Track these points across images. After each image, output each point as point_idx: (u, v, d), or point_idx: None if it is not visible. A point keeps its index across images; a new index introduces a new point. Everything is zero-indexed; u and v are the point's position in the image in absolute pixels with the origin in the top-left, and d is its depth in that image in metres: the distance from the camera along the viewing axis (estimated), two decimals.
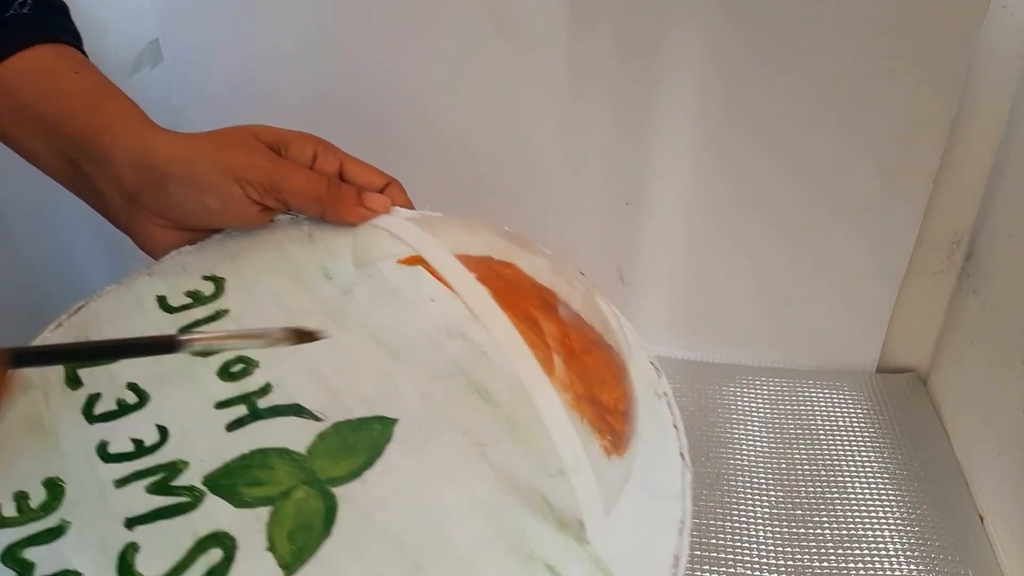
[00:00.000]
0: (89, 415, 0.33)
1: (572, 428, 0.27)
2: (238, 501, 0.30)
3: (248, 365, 0.35)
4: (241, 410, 0.33)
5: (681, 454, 0.32)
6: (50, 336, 0.37)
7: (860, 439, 0.56)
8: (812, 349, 0.62)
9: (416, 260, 0.40)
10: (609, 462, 0.29)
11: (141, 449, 0.32)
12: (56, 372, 0.35)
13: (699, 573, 0.47)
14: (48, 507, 0.30)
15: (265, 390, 0.34)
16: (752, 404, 0.59)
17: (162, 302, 0.39)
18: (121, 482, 0.31)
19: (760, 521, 0.50)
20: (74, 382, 0.35)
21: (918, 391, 0.60)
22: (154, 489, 0.30)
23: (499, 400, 0.33)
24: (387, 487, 0.30)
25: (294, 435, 0.32)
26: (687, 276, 0.61)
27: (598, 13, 0.52)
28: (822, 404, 0.59)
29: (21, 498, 0.30)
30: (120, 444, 0.32)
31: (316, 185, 0.40)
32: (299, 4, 0.57)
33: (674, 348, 0.64)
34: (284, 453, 0.31)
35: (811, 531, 0.49)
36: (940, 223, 0.56)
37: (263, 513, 0.29)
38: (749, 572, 0.47)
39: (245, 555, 0.28)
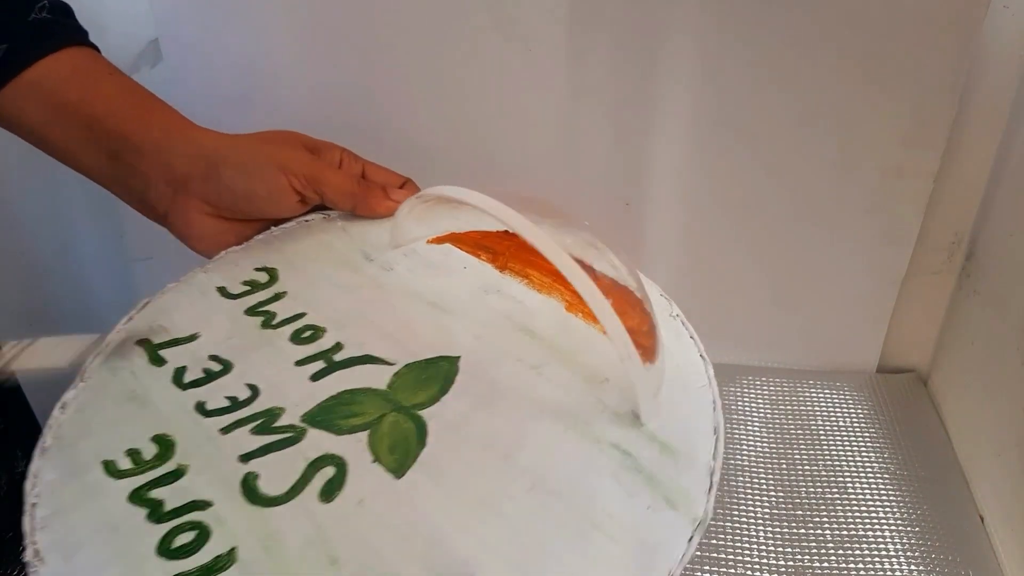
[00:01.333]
0: (180, 383, 0.36)
1: (624, 328, 0.32)
2: (337, 430, 0.33)
3: (316, 331, 0.38)
4: (320, 364, 0.37)
5: (701, 355, 0.38)
6: (124, 327, 0.39)
7: (860, 439, 0.56)
8: (812, 349, 0.62)
9: (444, 240, 0.45)
10: (646, 368, 0.34)
11: (236, 403, 0.35)
12: (139, 355, 0.37)
13: (699, 574, 0.47)
14: (162, 457, 0.32)
15: (337, 347, 0.38)
16: (752, 404, 0.59)
17: (223, 291, 0.41)
18: (226, 429, 0.33)
19: (760, 521, 0.50)
20: (158, 361, 0.37)
21: (918, 391, 0.60)
22: (258, 430, 0.33)
23: (542, 335, 0.38)
24: (466, 405, 0.34)
25: (373, 377, 0.36)
26: (687, 276, 0.61)
27: (598, 12, 0.52)
28: (822, 404, 0.59)
29: (134, 453, 0.32)
30: (216, 402, 0.35)
31: (350, 182, 0.46)
32: (298, 4, 0.57)
33: None
34: (368, 390, 0.35)
35: (811, 531, 0.49)
36: (941, 223, 0.56)
37: (362, 437, 0.33)
38: (749, 573, 0.47)
39: (356, 468, 0.32)
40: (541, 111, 0.56)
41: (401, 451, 0.32)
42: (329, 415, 0.34)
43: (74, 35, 0.45)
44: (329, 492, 0.31)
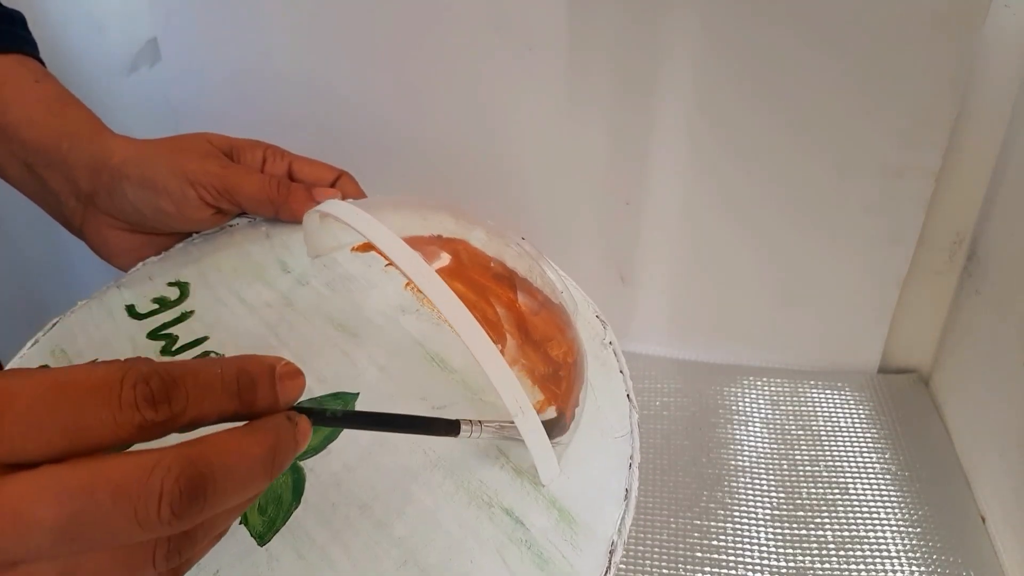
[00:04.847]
0: None
1: (514, 377, 0.28)
2: None
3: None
4: None
5: (628, 396, 0.34)
6: (27, 353, 0.38)
7: (862, 440, 0.55)
8: (813, 349, 0.62)
9: (369, 247, 0.41)
10: (556, 415, 0.31)
11: None
12: None
13: (700, 575, 0.47)
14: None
15: None
16: (753, 405, 0.59)
17: (131, 310, 0.40)
18: None
19: (761, 522, 0.50)
20: None
21: (920, 391, 0.60)
22: None
23: (455, 366, 0.35)
24: (351, 456, 0.32)
25: None
26: (687, 276, 0.61)
27: (597, 12, 0.51)
28: (823, 405, 0.59)
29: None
30: None
31: (266, 186, 0.42)
32: (297, 4, 0.57)
33: (675, 348, 0.64)
34: None
35: (812, 532, 0.49)
36: (942, 223, 0.55)
37: None
38: (750, 574, 0.47)
39: None
40: (541, 111, 0.56)
41: (272, 510, 0.30)
42: None
43: (8, 42, 0.43)
44: None
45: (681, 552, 0.48)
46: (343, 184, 0.44)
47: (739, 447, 0.55)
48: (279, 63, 0.60)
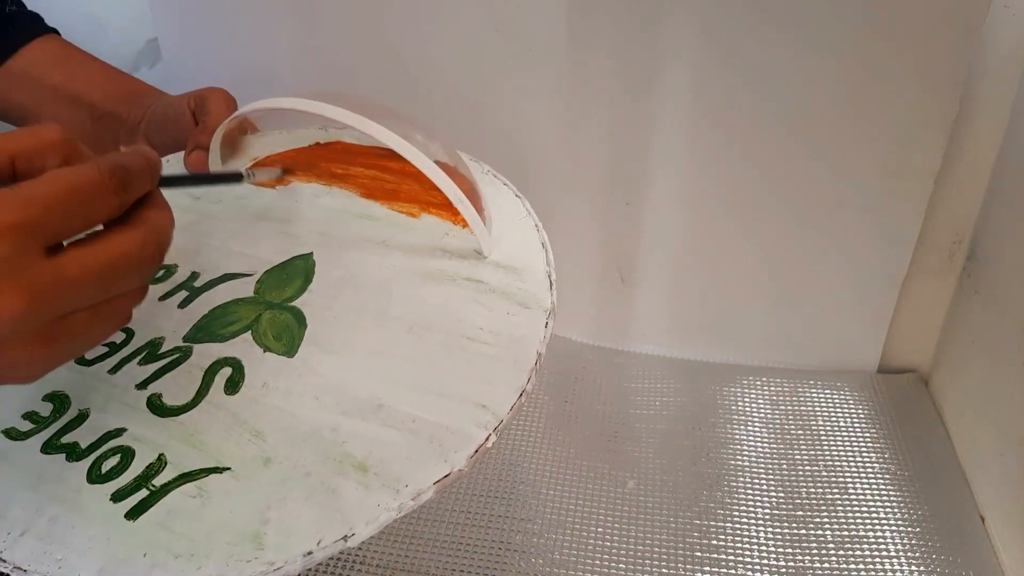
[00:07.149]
0: None
1: (448, 178, 0.37)
2: (221, 339, 0.36)
3: (167, 269, 0.40)
4: (183, 294, 0.39)
5: (516, 195, 0.43)
6: None
7: (861, 439, 0.55)
8: (813, 349, 0.62)
9: (261, 164, 0.47)
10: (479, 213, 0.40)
11: (114, 347, 0.36)
12: None
13: (700, 574, 0.47)
14: (59, 410, 0.34)
15: (194, 276, 0.40)
16: (753, 404, 0.59)
17: None
18: (113, 369, 0.35)
19: (761, 522, 0.50)
20: None
21: (919, 391, 0.60)
22: (145, 360, 0.35)
23: (381, 216, 0.42)
24: (331, 287, 0.38)
25: (238, 289, 0.38)
26: (687, 276, 0.61)
27: (598, 12, 0.51)
28: (823, 404, 0.59)
29: (31, 415, 0.34)
30: (93, 352, 0.36)
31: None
32: (298, 3, 0.57)
33: (674, 348, 0.64)
34: (238, 300, 0.38)
35: (812, 532, 0.49)
36: (941, 223, 0.56)
37: (247, 336, 0.36)
38: (749, 573, 0.47)
39: (250, 362, 0.35)
40: (541, 111, 0.56)
41: (287, 337, 0.35)
42: (209, 328, 0.36)
43: (41, 24, 0.50)
44: (233, 386, 0.34)
45: (681, 552, 0.48)
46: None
47: (739, 447, 0.55)
48: (279, 63, 0.60)
